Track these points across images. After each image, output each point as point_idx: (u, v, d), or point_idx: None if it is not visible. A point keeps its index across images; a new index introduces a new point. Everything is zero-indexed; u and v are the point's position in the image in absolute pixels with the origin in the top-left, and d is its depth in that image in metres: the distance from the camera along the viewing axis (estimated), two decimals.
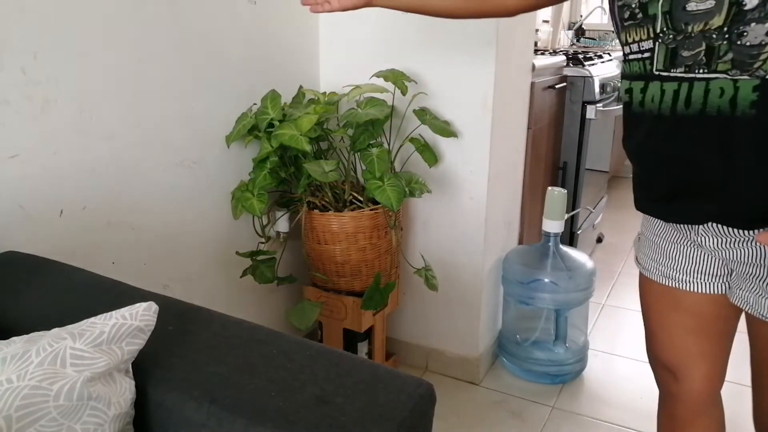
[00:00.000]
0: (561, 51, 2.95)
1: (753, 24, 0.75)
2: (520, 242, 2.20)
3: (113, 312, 0.79)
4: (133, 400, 0.78)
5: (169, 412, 0.78)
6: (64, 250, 1.22)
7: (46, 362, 0.72)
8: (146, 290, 0.99)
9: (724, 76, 0.79)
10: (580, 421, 1.80)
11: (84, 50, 1.21)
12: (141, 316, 0.79)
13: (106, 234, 1.32)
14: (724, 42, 0.78)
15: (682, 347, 1.02)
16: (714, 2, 0.77)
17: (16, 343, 0.75)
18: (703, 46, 0.79)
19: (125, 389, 0.77)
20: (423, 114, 1.67)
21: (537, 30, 3.26)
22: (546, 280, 1.91)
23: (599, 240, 3.10)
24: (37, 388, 0.69)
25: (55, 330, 0.77)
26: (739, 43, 0.77)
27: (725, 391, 1.07)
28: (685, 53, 0.81)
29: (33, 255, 1.08)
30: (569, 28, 3.95)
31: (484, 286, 1.91)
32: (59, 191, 1.21)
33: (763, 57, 0.76)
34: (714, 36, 0.78)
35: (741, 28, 0.76)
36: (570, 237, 2.57)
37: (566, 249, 2.01)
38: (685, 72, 0.82)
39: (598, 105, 2.41)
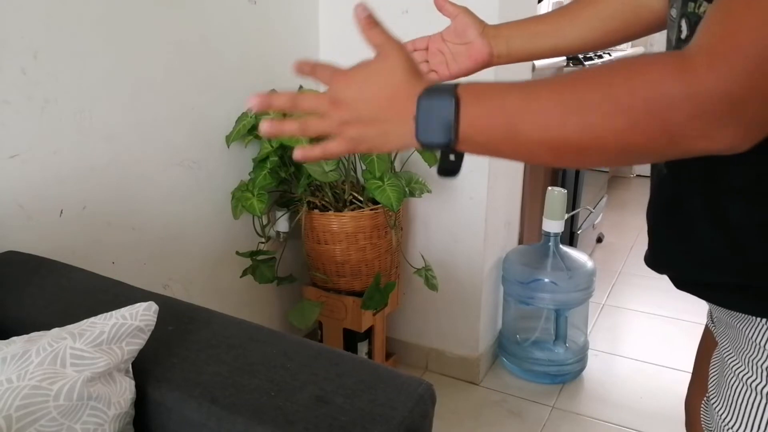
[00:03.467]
0: None
1: None
2: (520, 242, 2.20)
3: (113, 312, 0.79)
4: (133, 400, 0.78)
5: (169, 412, 0.78)
6: (64, 250, 1.22)
7: (46, 362, 0.72)
8: (146, 290, 0.99)
9: None
10: (580, 421, 1.80)
11: (84, 50, 1.21)
12: (141, 316, 0.79)
13: (106, 234, 1.32)
14: None
15: None
16: (674, 21, 0.63)
17: (16, 343, 0.75)
18: None
19: (125, 389, 0.77)
20: None
21: None
22: (546, 280, 1.91)
23: (599, 240, 3.10)
24: (37, 388, 0.69)
25: (55, 330, 0.77)
26: None
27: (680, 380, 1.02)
28: None
29: (33, 255, 1.08)
30: None
31: (484, 286, 1.91)
32: (59, 191, 1.21)
33: None
34: None
35: None
36: (570, 237, 2.57)
37: (566, 249, 2.01)
38: None
39: None
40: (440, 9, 0.86)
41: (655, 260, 0.71)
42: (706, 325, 0.86)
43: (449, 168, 0.56)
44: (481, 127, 0.52)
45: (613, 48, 3.66)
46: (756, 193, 0.57)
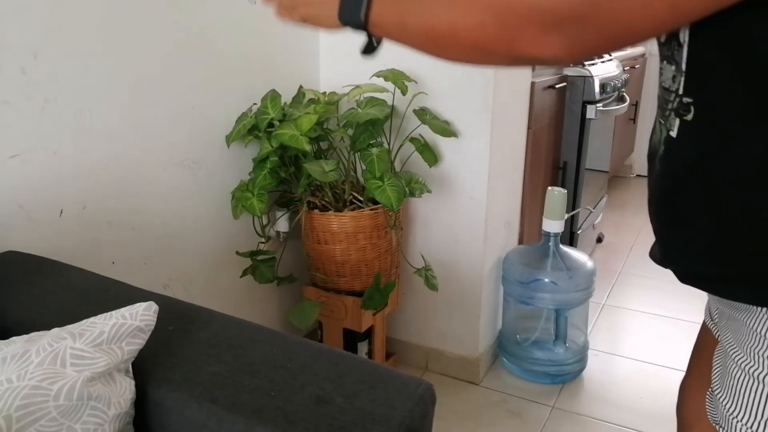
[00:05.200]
0: None
1: (665, 62, 0.63)
2: (520, 242, 2.20)
3: (113, 312, 0.79)
4: (133, 400, 0.78)
5: (169, 412, 0.78)
6: (64, 250, 1.22)
7: (46, 362, 0.72)
8: (146, 290, 0.99)
9: (659, 115, 0.67)
10: (580, 421, 1.80)
11: (84, 50, 1.21)
12: (141, 316, 0.79)
13: (106, 234, 1.32)
14: (659, 77, 0.67)
15: None
16: None
17: (16, 343, 0.75)
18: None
19: (125, 389, 0.77)
20: (423, 114, 1.67)
21: None
22: (546, 280, 1.91)
23: (599, 240, 3.10)
24: (37, 388, 0.69)
25: (55, 330, 0.77)
26: (660, 80, 0.65)
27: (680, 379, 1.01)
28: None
29: (33, 255, 1.08)
30: None
31: (484, 286, 1.91)
32: (59, 191, 1.21)
33: (671, 106, 0.63)
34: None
35: (661, 63, 0.65)
36: (570, 237, 2.57)
37: (566, 249, 2.01)
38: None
39: (598, 105, 2.41)
40: None
41: (658, 254, 0.72)
42: (704, 322, 0.86)
43: (368, 50, 0.71)
44: (386, 14, 0.63)
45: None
46: (752, 182, 0.57)
